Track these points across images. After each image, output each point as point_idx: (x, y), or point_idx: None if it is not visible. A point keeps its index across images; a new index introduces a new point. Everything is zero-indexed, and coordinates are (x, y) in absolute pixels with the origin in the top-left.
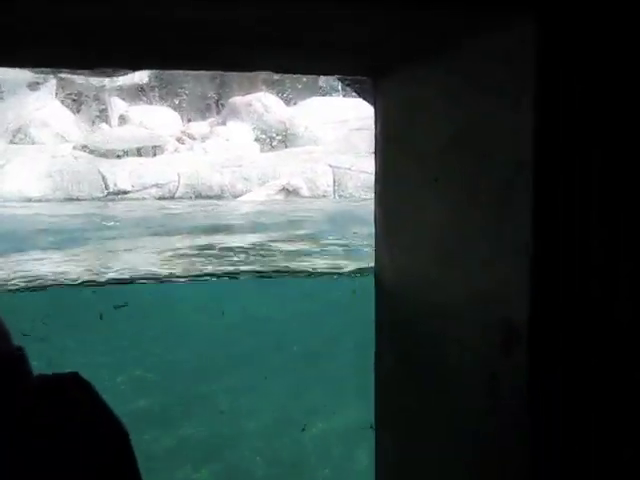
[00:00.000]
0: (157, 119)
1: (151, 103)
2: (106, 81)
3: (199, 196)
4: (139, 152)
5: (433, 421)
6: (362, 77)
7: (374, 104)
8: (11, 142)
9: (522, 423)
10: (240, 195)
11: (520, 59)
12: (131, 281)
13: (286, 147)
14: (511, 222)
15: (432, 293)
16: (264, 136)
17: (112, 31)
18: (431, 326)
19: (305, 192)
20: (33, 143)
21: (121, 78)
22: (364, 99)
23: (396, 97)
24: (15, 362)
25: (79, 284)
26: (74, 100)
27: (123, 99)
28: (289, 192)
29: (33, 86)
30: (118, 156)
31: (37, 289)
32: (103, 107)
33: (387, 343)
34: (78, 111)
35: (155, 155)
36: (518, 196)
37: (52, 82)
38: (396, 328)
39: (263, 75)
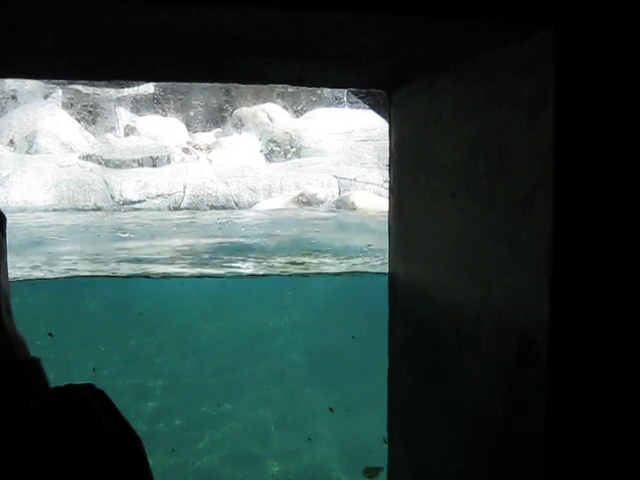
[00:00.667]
0: (163, 129)
1: (157, 113)
2: (112, 92)
3: (210, 207)
4: (145, 162)
5: (447, 432)
6: (377, 90)
7: (388, 117)
8: (26, 152)
9: (539, 434)
10: (251, 205)
11: (538, 72)
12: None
13: (292, 158)
14: (529, 236)
15: (447, 305)
16: (270, 147)
17: (126, 42)
18: (446, 337)
19: (325, 200)
20: (42, 152)
21: (127, 89)
22: (377, 112)
23: (411, 110)
24: (30, 371)
25: None
26: (80, 110)
27: (129, 109)
28: (303, 203)
29: (46, 97)
30: (124, 166)
31: None
32: (109, 117)
33: (401, 353)
34: (85, 121)
35: (161, 165)
36: (536, 210)
37: (59, 92)
38: (410, 338)
39: (276, 89)
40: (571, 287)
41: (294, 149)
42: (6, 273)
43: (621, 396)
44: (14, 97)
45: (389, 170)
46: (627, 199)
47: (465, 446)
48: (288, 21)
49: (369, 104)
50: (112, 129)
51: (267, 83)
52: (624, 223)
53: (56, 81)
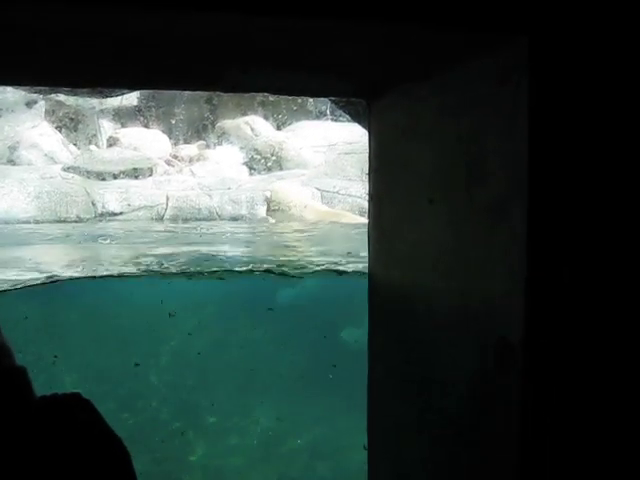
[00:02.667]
0: (147, 141)
1: (141, 125)
2: (95, 103)
3: (193, 218)
4: (128, 174)
5: (426, 436)
6: (356, 99)
7: (368, 125)
8: (8, 163)
9: (513, 435)
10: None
11: (514, 80)
12: None
13: (275, 170)
14: (504, 242)
15: (426, 310)
16: (253, 159)
17: (110, 50)
18: (425, 341)
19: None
20: (24, 164)
21: (110, 100)
22: (357, 122)
23: (390, 118)
24: (16, 380)
25: None
26: (63, 120)
27: (112, 121)
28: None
29: (29, 105)
30: (107, 178)
31: None
32: (92, 129)
33: (380, 358)
34: (68, 132)
35: (144, 177)
36: (512, 216)
37: (41, 103)
38: (389, 343)
39: (257, 98)
40: (546, 292)
41: (277, 160)
42: None
43: (595, 398)
44: None
45: (368, 178)
46: (600, 205)
47: (443, 449)
48: (266, 29)
49: (350, 114)
50: (95, 141)
51: (248, 92)
52: (598, 229)
53: (39, 92)
